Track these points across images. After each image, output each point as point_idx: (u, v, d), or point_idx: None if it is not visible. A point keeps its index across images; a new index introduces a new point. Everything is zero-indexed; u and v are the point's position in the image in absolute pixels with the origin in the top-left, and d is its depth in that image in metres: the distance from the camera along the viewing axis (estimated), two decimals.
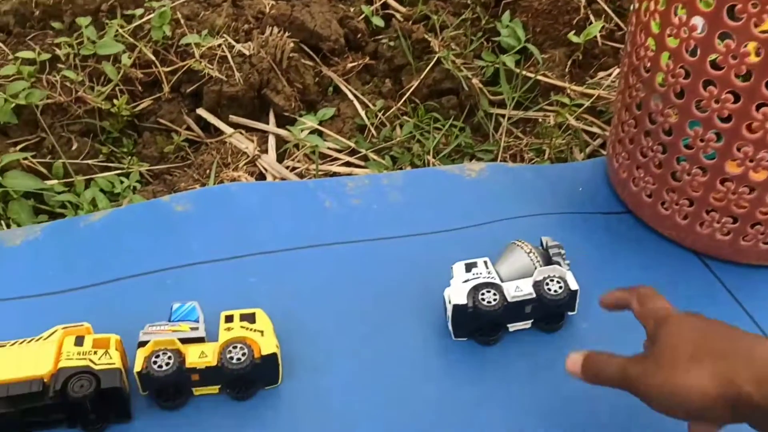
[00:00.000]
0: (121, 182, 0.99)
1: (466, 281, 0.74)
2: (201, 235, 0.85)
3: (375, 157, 1.03)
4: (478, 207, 0.90)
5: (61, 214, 0.95)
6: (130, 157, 1.02)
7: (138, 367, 0.66)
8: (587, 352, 0.62)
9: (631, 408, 0.60)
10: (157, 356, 0.66)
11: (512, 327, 0.75)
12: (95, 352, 0.66)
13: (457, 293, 0.73)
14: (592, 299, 0.71)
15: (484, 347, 0.74)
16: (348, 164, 1.03)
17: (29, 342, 0.67)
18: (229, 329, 0.69)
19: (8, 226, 0.93)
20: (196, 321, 0.70)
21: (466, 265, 0.76)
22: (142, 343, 0.67)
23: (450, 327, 0.75)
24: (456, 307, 0.72)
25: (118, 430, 0.67)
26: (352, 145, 1.05)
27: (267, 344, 0.68)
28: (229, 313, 0.71)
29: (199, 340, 0.69)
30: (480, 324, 0.74)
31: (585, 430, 0.68)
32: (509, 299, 0.73)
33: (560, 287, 0.74)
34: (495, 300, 0.72)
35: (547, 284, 0.74)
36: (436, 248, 0.85)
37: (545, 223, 0.89)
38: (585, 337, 0.76)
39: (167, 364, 0.65)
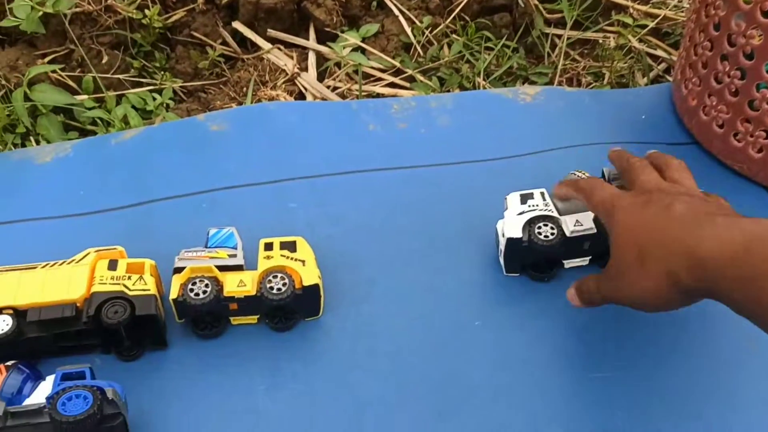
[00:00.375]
0: (154, 99, 0.94)
1: (521, 213, 0.68)
2: (238, 156, 0.81)
3: (421, 78, 0.96)
4: (533, 133, 0.84)
5: (91, 131, 0.91)
6: (162, 73, 0.97)
7: (174, 294, 0.63)
8: (577, 282, 0.63)
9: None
10: (194, 284, 0.62)
11: (568, 263, 0.71)
12: (129, 278, 0.63)
13: (511, 226, 0.68)
14: None
15: (537, 283, 0.70)
16: (392, 85, 0.97)
17: (61, 264, 0.64)
18: (268, 257, 0.65)
19: (38, 142, 0.89)
20: (234, 248, 0.66)
21: (522, 196, 0.70)
22: (178, 270, 0.64)
23: (502, 261, 0.70)
24: (510, 240, 0.67)
25: (153, 358, 0.64)
26: (397, 64, 0.98)
27: (309, 275, 0.64)
28: (268, 240, 0.67)
29: (237, 268, 0.65)
30: (535, 259, 0.69)
31: (645, 372, 0.64)
32: (568, 234, 0.67)
33: None
34: (553, 234, 0.67)
35: None
36: (487, 177, 0.79)
37: (604, 153, 0.82)
38: None
39: (204, 292, 0.62)
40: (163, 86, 0.96)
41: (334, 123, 0.84)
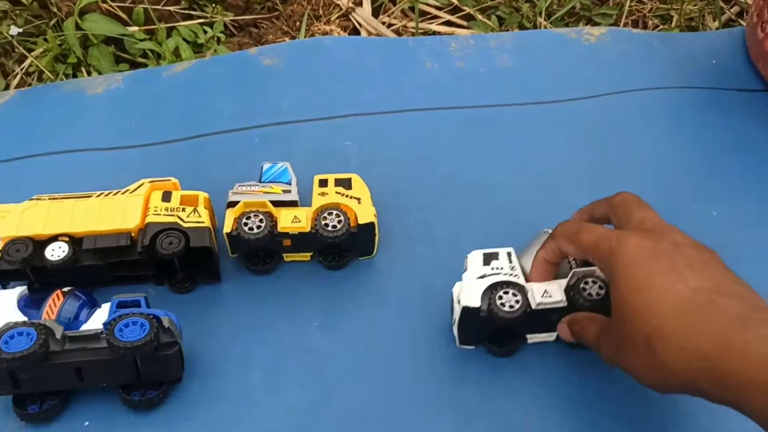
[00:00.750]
0: (205, 32, 0.92)
1: (482, 277, 0.58)
2: (291, 91, 0.78)
3: (480, 17, 0.93)
4: (598, 76, 0.80)
5: (142, 63, 0.90)
6: (213, 6, 0.95)
7: (227, 228, 0.62)
8: (571, 319, 0.56)
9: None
10: (248, 218, 0.61)
11: (531, 338, 0.60)
12: (183, 209, 0.62)
13: (469, 292, 0.57)
14: (719, 198, 0.62)
15: (496, 358, 0.61)
16: (449, 24, 0.93)
17: (115, 194, 0.63)
18: (323, 194, 0.64)
19: (89, 73, 0.88)
20: (288, 183, 0.65)
21: (485, 255, 0.60)
22: (232, 204, 0.63)
23: (455, 331, 0.60)
24: (466, 309, 0.57)
25: (206, 291, 0.64)
26: (455, 1, 0.94)
27: (364, 212, 0.62)
28: (323, 177, 0.65)
29: (292, 203, 0.64)
30: (493, 332, 0.60)
31: None
32: (534, 305, 0.57)
33: (600, 290, 0.56)
34: (517, 304, 0.56)
35: (583, 287, 0.56)
36: (546, 120, 0.76)
37: (671, 98, 0.78)
38: None
39: (258, 227, 0.61)
40: (214, 19, 0.94)
41: (391, 60, 0.81)
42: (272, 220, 0.62)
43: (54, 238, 0.60)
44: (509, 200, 0.70)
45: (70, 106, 0.79)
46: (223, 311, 0.63)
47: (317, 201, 0.63)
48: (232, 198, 0.63)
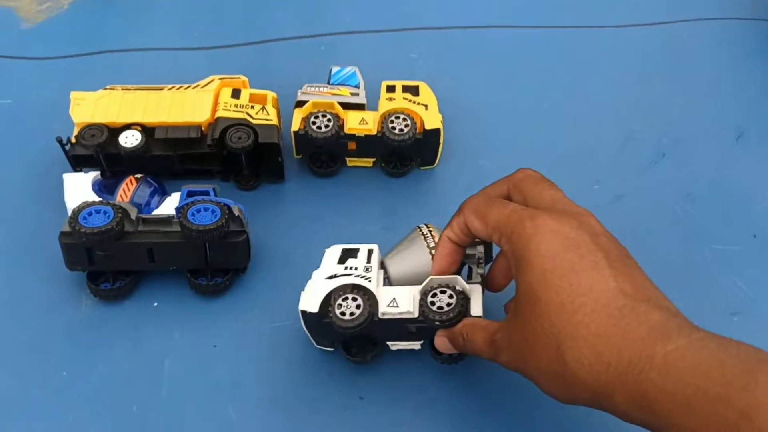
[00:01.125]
0: None
1: (331, 277, 0.52)
2: (357, 3, 0.78)
3: None
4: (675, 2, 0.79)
5: None
6: None
7: (295, 126, 0.62)
8: (449, 332, 0.50)
9: None
10: (316, 117, 0.62)
11: (394, 345, 0.54)
12: (252, 107, 0.63)
13: (310, 294, 0.52)
14: None
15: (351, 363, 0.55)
16: None
17: (186, 89, 0.64)
18: (390, 99, 0.64)
19: None
20: (357, 86, 0.65)
21: (344, 251, 0.54)
22: (300, 103, 0.63)
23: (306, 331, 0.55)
24: (304, 314, 0.52)
25: (270, 190, 0.65)
26: None
27: (431, 119, 0.63)
28: (391, 83, 0.65)
29: (359, 106, 0.64)
30: (341, 338, 0.54)
31: None
32: (379, 314, 0.51)
33: (450, 299, 0.50)
34: (357, 312, 0.50)
35: (432, 300, 0.50)
36: (620, 45, 0.75)
37: (745, 29, 0.77)
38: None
39: (326, 126, 0.62)
40: None
41: None
42: (339, 121, 0.62)
43: (127, 127, 0.61)
44: (574, 126, 0.69)
45: (139, 5, 0.80)
46: (286, 210, 0.64)
47: (384, 105, 0.63)
48: (300, 97, 0.64)
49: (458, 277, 0.51)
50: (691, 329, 0.39)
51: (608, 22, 0.77)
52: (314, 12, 0.78)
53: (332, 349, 0.55)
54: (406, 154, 0.65)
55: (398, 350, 0.54)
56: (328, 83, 0.65)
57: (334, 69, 0.67)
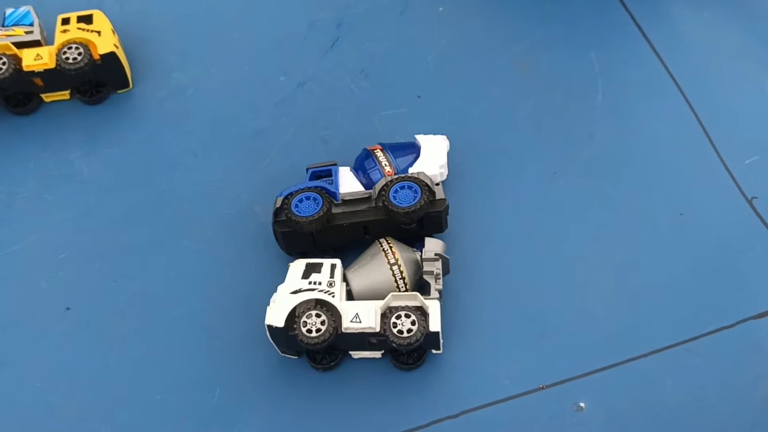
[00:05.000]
0: None
1: (295, 292, 0.55)
2: None
3: None
4: None
5: None
6: None
7: None
8: None
9: None
10: None
11: (356, 355, 0.58)
12: None
13: (276, 309, 0.54)
14: None
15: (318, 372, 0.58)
16: None
17: None
18: (65, 31, 0.66)
19: None
20: (31, 25, 0.67)
21: (308, 266, 0.56)
22: None
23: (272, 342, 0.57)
24: (271, 328, 0.55)
25: None
26: None
27: (104, 43, 0.66)
28: (66, 15, 0.68)
29: (35, 43, 0.67)
30: (305, 349, 0.57)
31: None
32: (342, 329, 0.55)
33: (412, 326, 0.54)
34: (322, 328, 0.53)
35: (395, 322, 0.54)
36: None
37: None
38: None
39: (1, 67, 0.64)
40: None
41: None
42: (15, 60, 0.65)
43: None
44: (263, 23, 0.74)
45: None
46: None
47: (59, 38, 0.66)
48: None
49: (417, 293, 0.55)
50: None
51: None
52: None
53: (297, 357, 0.58)
54: (93, 80, 0.68)
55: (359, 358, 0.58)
56: (3, 26, 0.67)
57: (8, 11, 0.68)
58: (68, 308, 0.60)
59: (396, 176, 0.59)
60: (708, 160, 0.66)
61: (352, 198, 0.59)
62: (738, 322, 0.58)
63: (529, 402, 0.55)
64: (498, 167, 0.66)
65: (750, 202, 0.63)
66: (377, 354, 0.57)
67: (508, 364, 0.57)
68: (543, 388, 0.56)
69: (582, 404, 0.55)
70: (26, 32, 0.66)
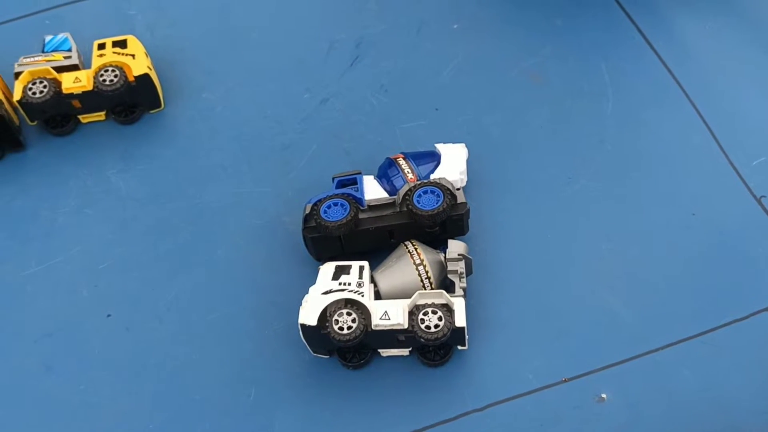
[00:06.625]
0: None
1: (326, 292, 0.58)
2: None
3: None
4: None
5: None
6: None
7: (17, 96, 0.68)
8: None
9: None
10: (33, 84, 0.68)
11: (385, 353, 0.61)
12: None
13: (308, 309, 0.57)
14: None
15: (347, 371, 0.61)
16: None
17: None
18: (101, 55, 0.71)
19: None
20: (69, 50, 0.71)
21: (337, 268, 0.60)
22: (18, 75, 0.69)
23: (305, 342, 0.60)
24: (303, 327, 0.58)
25: (13, 159, 0.71)
26: None
27: (138, 66, 0.70)
28: (102, 41, 0.72)
29: (74, 67, 0.71)
30: (336, 347, 0.60)
31: None
32: (372, 326, 0.57)
33: (439, 322, 0.57)
34: (353, 326, 0.56)
35: (422, 318, 0.57)
36: None
37: None
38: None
39: (42, 91, 0.68)
40: None
41: None
42: (56, 83, 0.69)
43: None
44: (284, 42, 0.78)
45: None
46: (31, 176, 0.70)
47: (96, 62, 0.70)
48: (17, 69, 0.70)
49: (443, 291, 0.58)
50: None
51: None
52: None
53: (328, 356, 0.60)
54: (127, 101, 0.72)
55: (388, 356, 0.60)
56: (43, 51, 0.71)
57: (47, 38, 0.73)
58: (109, 315, 0.63)
59: (419, 182, 0.62)
60: (717, 163, 0.69)
61: (377, 203, 0.62)
62: (751, 314, 0.60)
63: (552, 394, 0.58)
64: (514, 173, 0.69)
65: (759, 201, 0.66)
66: (405, 352, 0.60)
67: (531, 359, 0.59)
68: (565, 381, 0.58)
69: (604, 395, 0.57)
70: (65, 57, 0.71)
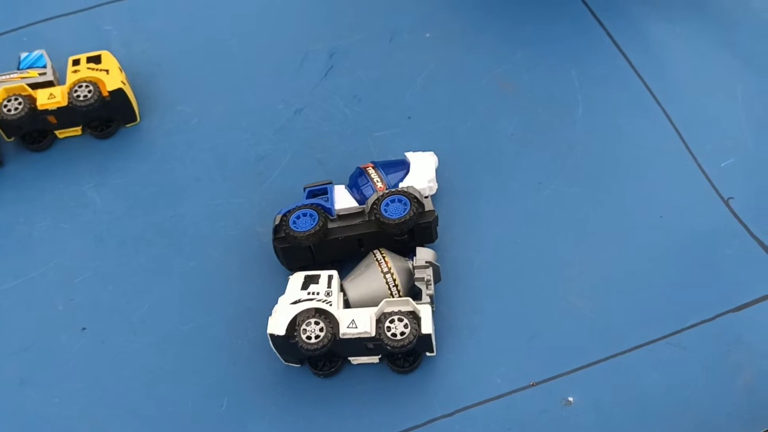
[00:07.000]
0: None
1: (295, 302, 0.59)
2: None
3: None
4: None
5: None
6: None
7: None
8: None
9: None
10: (8, 101, 0.69)
11: (355, 360, 0.62)
12: None
13: (277, 319, 0.58)
14: None
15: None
16: None
17: None
18: (76, 71, 0.71)
19: None
20: (44, 67, 0.72)
21: (306, 278, 0.61)
22: None
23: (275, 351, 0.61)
24: (272, 336, 0.59)
25: None
26: None
27: (112, 81, 0.71)
28: (76, 57, 0.73)
29: (48, 84, 0.72)
30: (306, 356, 0.60)
31: None
32: (340, 335, 0.58)
33: (405, 329, 0.57)
34: (321, 334, 0.57)
35: (389, 326, 0.58)
36: None
37: None
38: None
39: (16, 108, 0.69)
40: None
41: None
42: (30, 100, 0.70)
43: None
44: (257, 54, 0.79)
45: None
46: (11, 187, 0.71)
47: (70, 78, 0.71)
48: None
49: (409, 299, 0.59)
50: None
51: None
52: (11, 7, 0.84)
53: (299, 365, 0.61)
54: (103, 115, 0.72)
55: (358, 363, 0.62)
56: (18, 68, 0.72)
57: (23, 55, 0.73)
58: (84, 328, 0.64)
59: (387, 191, 0.63)
60: (685, 165, 0.69)
61: (346, 213, 0.63)
62: (717, 316, 0.61)
63: (520, 398, 0.58)
64: (485, 180, 0.70)
65: (726, 203, 0.67)
66: (375, 359, 0.60)
67: (499, 364, 0.60)
68: (533, 385, 0.59)
69: (570, 399, 0.58)
70: (40, 74, 0.72)
